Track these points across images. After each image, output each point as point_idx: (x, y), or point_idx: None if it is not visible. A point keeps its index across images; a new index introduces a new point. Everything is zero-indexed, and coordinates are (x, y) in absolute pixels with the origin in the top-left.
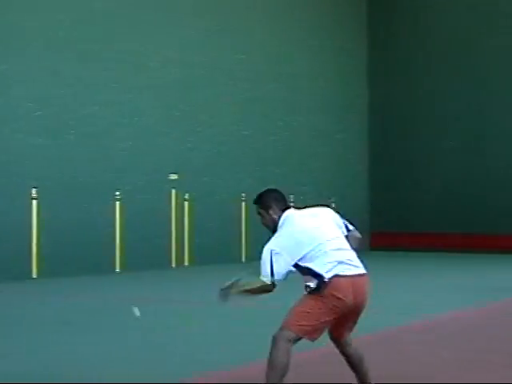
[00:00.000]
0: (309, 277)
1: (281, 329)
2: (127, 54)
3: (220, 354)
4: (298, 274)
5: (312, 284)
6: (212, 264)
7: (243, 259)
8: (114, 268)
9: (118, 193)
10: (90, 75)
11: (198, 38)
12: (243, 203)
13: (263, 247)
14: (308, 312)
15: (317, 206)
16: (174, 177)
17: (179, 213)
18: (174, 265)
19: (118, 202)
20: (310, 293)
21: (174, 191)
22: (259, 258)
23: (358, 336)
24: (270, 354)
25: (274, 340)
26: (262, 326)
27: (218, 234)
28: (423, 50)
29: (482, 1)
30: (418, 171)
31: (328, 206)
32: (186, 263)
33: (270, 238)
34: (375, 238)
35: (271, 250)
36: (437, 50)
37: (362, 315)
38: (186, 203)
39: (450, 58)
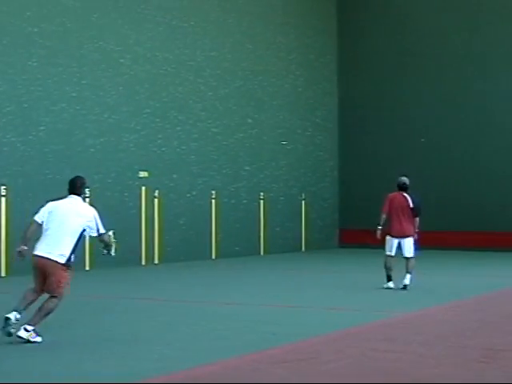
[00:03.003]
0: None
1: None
2: (97, 50)
3: None
4: None
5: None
6: (181, 261)
7: (213, 256)
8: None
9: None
10: (60, 72)
11: (167, 36)
12: (213, 201)
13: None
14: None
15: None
16: (143, 174)
17: (150, 210)
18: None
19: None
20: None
21: (143, 188)
22: (231, 254)
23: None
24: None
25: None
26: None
27: (187, 231)
28: (393, 48)
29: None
30: (389, 169)
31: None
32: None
33: None
34: (344, 234)
35: None
36: (407, 48)
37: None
38: (156, 200)
39: (420, 56)
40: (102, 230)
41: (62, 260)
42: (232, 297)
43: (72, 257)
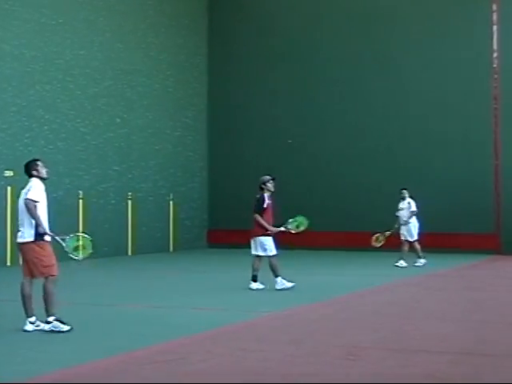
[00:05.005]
0: None
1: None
2: None
3: None
4: None
5: None
6: None
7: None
8: None
9: None
10: None
11: (36, 33)
12: (80, 201)
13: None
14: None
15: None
16: (9, 173)
17: (15, 210)
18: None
19: None
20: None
21: (9, 188)
22: (99, 255)
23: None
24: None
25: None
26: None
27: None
28: (262, 49)
29: (322, 7)
30: (257, 170)
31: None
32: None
33: None
34: (213, 235)
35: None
36: (276, 49)
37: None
38: None
39: (289, 57)
40: (28, 196)
41: (31, 238)
42: (99, 298)
43: (39, 229)
